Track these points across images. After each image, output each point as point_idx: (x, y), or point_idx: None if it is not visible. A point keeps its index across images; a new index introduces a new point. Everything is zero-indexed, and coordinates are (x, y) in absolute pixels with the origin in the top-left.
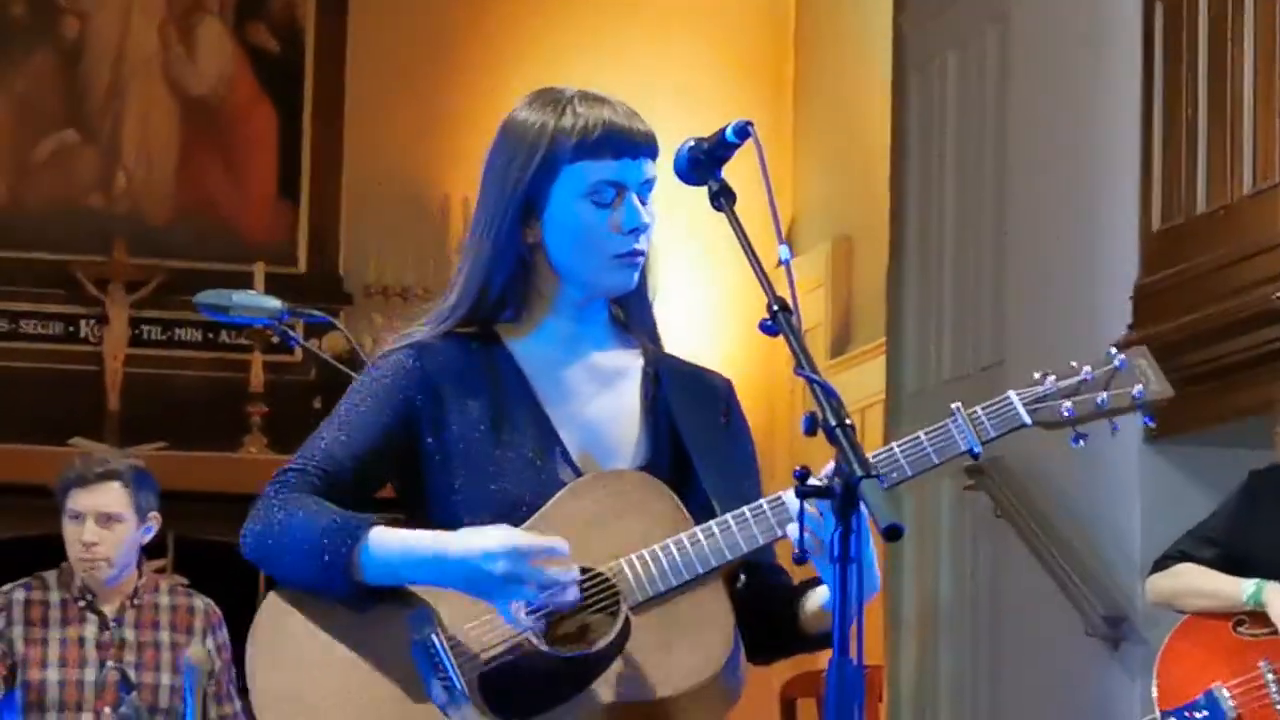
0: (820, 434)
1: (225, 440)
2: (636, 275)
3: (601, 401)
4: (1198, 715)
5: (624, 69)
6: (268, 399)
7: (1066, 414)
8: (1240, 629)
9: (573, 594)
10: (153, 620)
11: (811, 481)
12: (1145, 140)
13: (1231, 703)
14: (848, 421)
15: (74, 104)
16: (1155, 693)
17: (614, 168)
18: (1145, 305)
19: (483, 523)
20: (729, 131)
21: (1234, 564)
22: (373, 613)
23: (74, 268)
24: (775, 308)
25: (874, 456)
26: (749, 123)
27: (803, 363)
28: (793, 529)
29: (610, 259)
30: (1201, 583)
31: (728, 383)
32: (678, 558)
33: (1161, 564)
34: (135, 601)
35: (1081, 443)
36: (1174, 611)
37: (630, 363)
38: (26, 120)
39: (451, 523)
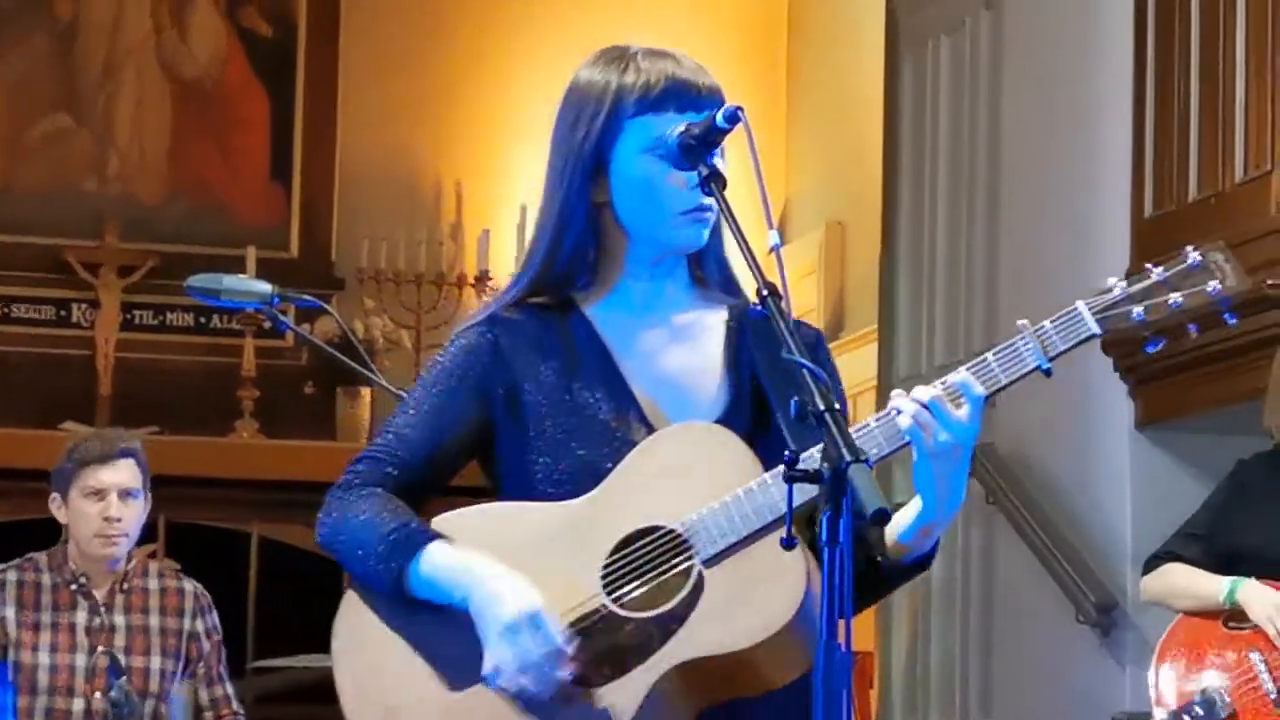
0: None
1: (217, 425)
2: (706, 231)
3: (679, 358)
4: (1198, 713)
5: None
6: (259, 383)
7: (1137, 319)
8: (1230, 624)
9: (546, 688)
10: (142, 604)
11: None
12: (1137, 127)
13: (1227, 698)
14: (837, 406)
15: (67, 87)
16: (1153, 697)
17: (678, 121)
18: None
19: (561, 495)
20: (719, 117)
21: (1224, 558)
22: None
23: (66, 251)
24: (764, 292)
25: (945, 380)
26: (739, 108)
27: (791, 347)
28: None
29: (677, 215)
30: (1186, 583)
31: (817, 334)
32: (747, 506)
33: (1151, 564)
34: (125, 586)
35: (1154, 349)
36: (1169, 611)
37: (712, 319)
38: (19, 103)
39: (531, 495)
